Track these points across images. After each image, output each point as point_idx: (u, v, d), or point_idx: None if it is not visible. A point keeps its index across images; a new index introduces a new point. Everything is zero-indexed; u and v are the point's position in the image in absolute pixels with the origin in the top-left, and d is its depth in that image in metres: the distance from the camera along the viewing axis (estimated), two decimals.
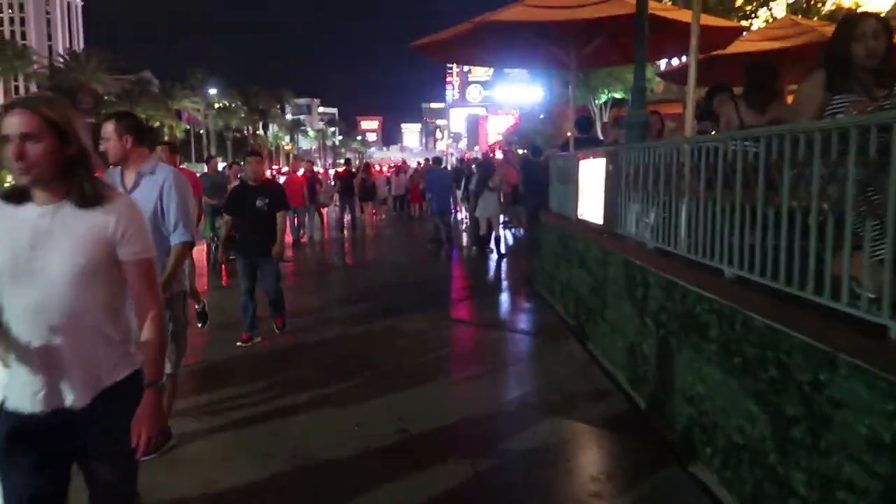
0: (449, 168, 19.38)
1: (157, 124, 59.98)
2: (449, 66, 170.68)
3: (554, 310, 7.27)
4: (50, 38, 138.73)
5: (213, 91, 66.69)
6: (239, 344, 5.92)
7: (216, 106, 70.17)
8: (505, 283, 9.69)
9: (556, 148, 11.21)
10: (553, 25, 7.14)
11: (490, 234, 11.48)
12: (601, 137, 12.47)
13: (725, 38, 7.39)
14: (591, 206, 6.06)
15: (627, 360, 4.73)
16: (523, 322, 7.21)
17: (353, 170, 17.93)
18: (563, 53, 7.78)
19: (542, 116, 35.66)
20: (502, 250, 11.47)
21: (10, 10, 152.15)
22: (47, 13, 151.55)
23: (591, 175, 6.04)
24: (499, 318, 7.46)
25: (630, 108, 5.98)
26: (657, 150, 4.25)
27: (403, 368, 5.35)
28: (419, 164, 24.78)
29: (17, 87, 68.34)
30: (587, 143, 7.85)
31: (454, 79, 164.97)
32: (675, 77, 10.83)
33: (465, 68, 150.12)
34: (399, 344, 6.10)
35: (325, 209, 18.00)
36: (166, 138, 64.09)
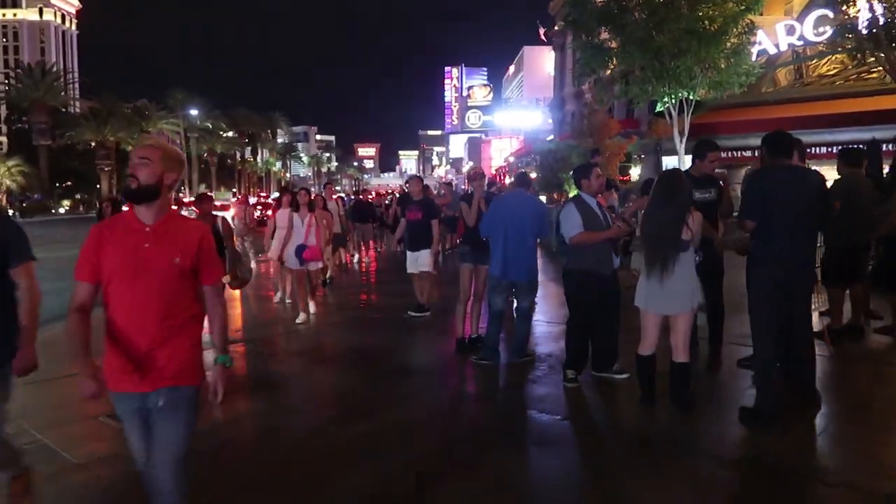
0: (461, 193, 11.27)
1: (129, 148, 54.39)
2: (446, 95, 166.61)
3: None
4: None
5: (194, 112, 60.86)
6: None
7: (199, 128, 64.55)
8: None
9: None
10: None
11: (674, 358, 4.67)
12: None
13: None
14: None
15: None
16: None
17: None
18: None
19: (549, 138, 31.90)
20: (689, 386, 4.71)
21: (3, 39, 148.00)
22: (42, 42, 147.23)
23: None
24: None
25: None
26: None
27: None
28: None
29: None
30: None
31: (453, 104, 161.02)
32: None
33: (465, 93, 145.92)
34: None
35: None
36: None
